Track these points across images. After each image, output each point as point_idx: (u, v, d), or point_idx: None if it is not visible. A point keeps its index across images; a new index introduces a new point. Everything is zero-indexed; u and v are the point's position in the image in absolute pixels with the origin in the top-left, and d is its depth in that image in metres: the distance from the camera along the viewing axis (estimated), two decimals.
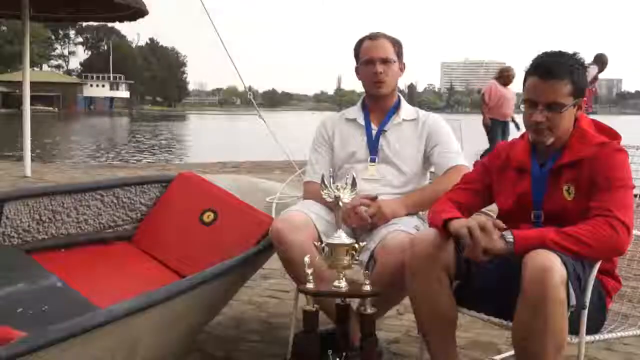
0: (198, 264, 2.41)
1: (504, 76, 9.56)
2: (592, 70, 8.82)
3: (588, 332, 1.96)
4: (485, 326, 2.90)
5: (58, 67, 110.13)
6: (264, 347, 2.84)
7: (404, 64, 2.78)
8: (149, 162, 16.43)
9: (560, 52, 2.08)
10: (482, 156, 4.99)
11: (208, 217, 2.91)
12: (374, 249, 2.42)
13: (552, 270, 1.78)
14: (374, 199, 2.53)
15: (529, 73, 2.07)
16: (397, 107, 2.78)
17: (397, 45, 2.73)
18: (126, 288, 2.36)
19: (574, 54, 2.07)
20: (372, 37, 2.73)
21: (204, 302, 2.29)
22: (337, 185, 2.19)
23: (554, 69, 2.01)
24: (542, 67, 2.04)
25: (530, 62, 2.08)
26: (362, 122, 2.78)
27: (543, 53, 2.10)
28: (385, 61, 2.68)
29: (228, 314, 3.20)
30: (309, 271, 2.12)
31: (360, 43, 2.75)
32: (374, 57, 2.67)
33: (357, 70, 2.78)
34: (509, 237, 1.91)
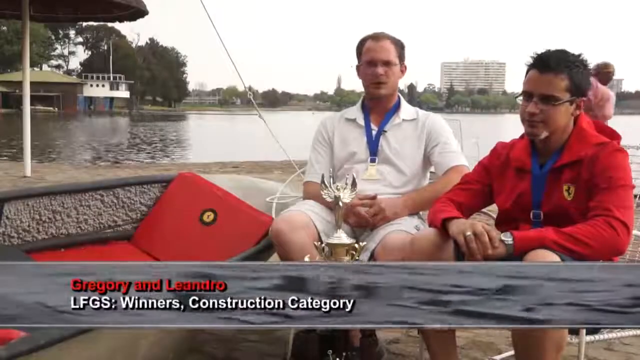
0: None
1: (603, 72, 8.22)
2: None
3: (588, 332, 1.96)
4: None
5: (58, 67, 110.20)
6: (264, 347, 2.84)
7: (405, 66, 2.78)
8: (149, 162, 16.42)
9: (563, 49, 2.09)
10: None
11: (208, 217, 2.91)
12: (374, 249, 2.43)
13: None
14: (373, 198, 2.53)
15: (529, 66, 2.08)
16: (397, 108, 2.78)
17: (399, 47, 2.72)
18: None
19: (579, 54, 2.08)
20: (375, 37, 2.72)
21: None
22: (337, 186, 2.19)
23: (552, 63, 2.02)
24: (541, 60, 2.05)
25: (531, 58, 2.09)
26: (362, 123, 2.78)
27: (547, 49, 2.10)
28: (387, 63, 2.67)
29: None
30: None
31: (363, 42, 2.74)
32: (375, 59, 2.67)
33: (358, 69, 2.78)
34: (509, 239, 1.91)
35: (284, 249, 2.43)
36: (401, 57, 2.73)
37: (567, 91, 2.03)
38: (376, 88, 2.71)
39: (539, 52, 2.08)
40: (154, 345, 2.02)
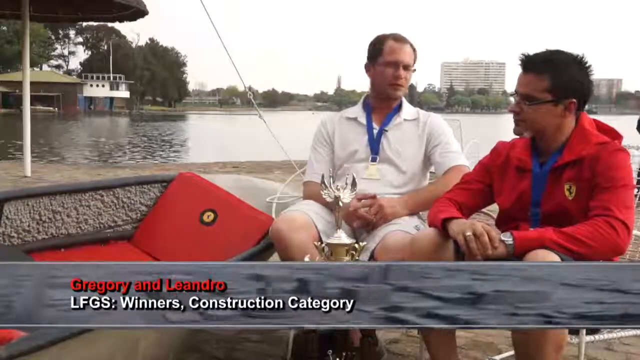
0: None
1: None
2: None
3: (588, 332, 1.95)
4: None
5: (58, 67, 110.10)
6: (264, 347, 2.84)
7: (415, 69, 2.79)
8: (149, 162, 16.42)
9: (556, 50, 2.09)
10: None
11: (208, 217, 2.91)
12: (374, 249, 2.43)
13: None
14: (372, 197, 2.53)
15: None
16: (398, 108, 2.79)
17: (415, 52, 2.75)
18: None
19: (576, 56, 2.07)
20: (399, 39, 2.71)
21: None
22: (337, 185, 2.19)
23: (534, 63, 2.05)
24: (524, 60, 2.08)
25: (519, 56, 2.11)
26: (364, 122, 2.78)
27: (545, 50, 2.11)
28: (407, 67, 2.69)
29: None
30: None
31: (382, 41, 2.72)
32: (399, 61, 2.67)
33: (368, 67, 2.76)
34: (509, 239, 1.91)
35: (284, 249, 2.43)
36: (415, 61, 2.76)
37: (548, 92, 2.03)
38: (395, 90, 2.71)
39: (527, 53, 2.10)
40: (154, 345, 2.01)
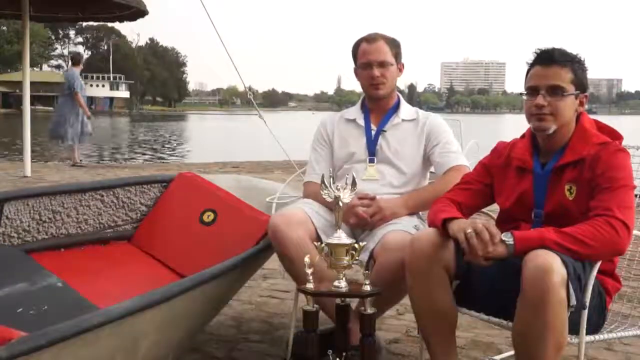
0: (198, 264, 2.40)
1: None
2: None
3: (588, 332, 1.95)
4: (485, 326, 2.90)
5: (58, 67, 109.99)
6: (264, 347, 2.84)
7: (403, 64, 2.78)
8: (149, 162, 16.42)
9: (559, 47, 2.11)
10: None
11: (208, 217, 2.91)
12: (374, 248, 2.43)
13: (552, 271, 1.78)
14: (372, 198, 2.53)
15: (531, 64, 2.10)
16: (396, 108, 2.79)
17: (394, 46, 2.73)
18: (126, 288, 2.36)
19: (576, 54, 2.10)
20: (369, 39, 2.72)
21: (204, 302, 2.29)
22: (337, 186, 2.19)
23: (556, 56, 2.06)
24: (544, 54, 2.08)
25: (533, 55, 2.10)
26: (362, 123, 2.78)
27: (545, 48, 2.12)
28: (383, 64, 2.68)
29: (228, 314, 3.20)
30: (309, 271, 2.11)
31: (357, 45, 2.74)
32: (371, 61, 2.67)
33: (355, 72, 2.79)
34: (509, 239, 1.91)
35: (281, 245, 2.43)
36: (397, 56, 2.73)
37: (572, 84, 2.05)
38: (375, 89, 2.71)
39: (542, 48, 2.10)
40: (154, 345, 2.01)
